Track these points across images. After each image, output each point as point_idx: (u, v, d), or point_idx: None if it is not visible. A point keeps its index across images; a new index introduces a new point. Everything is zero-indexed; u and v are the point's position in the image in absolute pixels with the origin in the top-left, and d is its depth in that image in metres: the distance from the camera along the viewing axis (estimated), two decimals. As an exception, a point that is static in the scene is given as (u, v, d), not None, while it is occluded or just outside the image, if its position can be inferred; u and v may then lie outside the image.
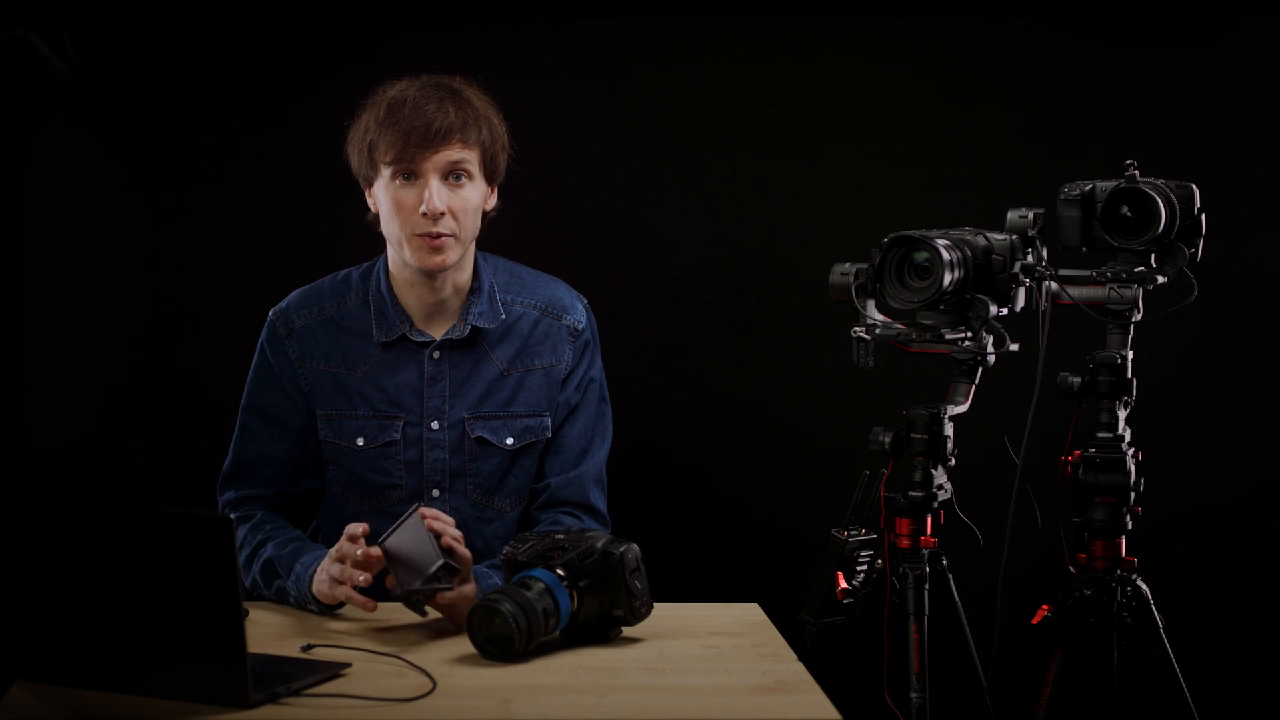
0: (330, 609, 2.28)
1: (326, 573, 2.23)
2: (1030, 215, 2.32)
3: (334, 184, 2.61)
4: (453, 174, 2.43)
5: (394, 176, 2.43)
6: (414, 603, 2.14)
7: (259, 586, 2.37)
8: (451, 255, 2.45)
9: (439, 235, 2.42)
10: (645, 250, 3.25)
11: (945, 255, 2.22)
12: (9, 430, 3.18)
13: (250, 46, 3.16)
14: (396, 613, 2.32)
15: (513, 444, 2.53)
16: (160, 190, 3.19)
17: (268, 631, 2.20)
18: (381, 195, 2.46)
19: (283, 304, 2.58)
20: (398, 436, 2.51)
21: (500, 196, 2.58)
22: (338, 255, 2.65)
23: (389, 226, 2.47)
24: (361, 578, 2.16)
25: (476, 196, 2.47)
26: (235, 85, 3.17)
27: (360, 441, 2.51)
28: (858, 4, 3.17)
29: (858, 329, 2.33)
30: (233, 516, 2.44)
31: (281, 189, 3.19)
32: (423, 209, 2.40)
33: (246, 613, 1.85)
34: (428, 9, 3.13)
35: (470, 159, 2.44)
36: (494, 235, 2.63)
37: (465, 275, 2.53)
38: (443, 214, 2.41)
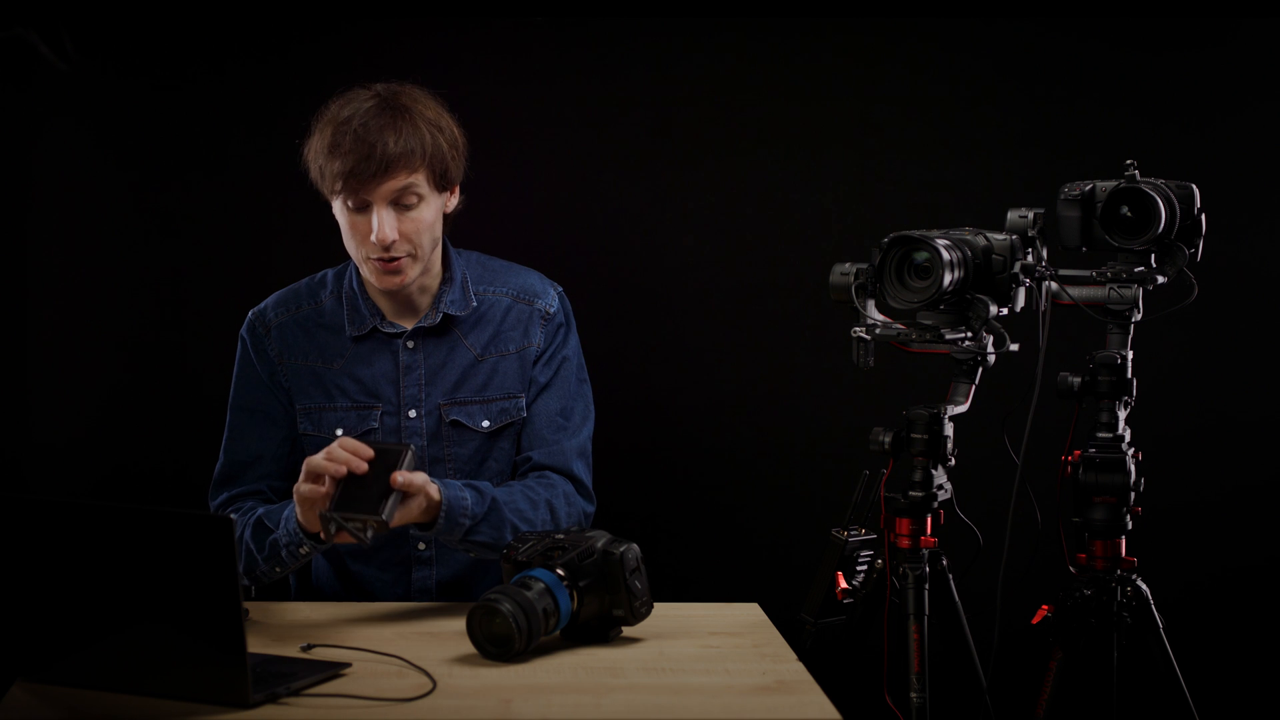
0: (322, 541, 2.29)
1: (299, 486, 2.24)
2: (1030, 215, 2.32)
3: (334, 184, 2.61)
4: (401, 201, 2.44)
5: (344, 203, 2.45)
6: (327, 520, 2.16)
7: (254, 558, 2.38)
8: (410, 274, 2.48)
9: (394, 259, 2.44)
10: (645, 250, 3.24)
11: (945, 255, 2.22)
12: (9, 430, 3.18)
13: (250, 46, 3.15)
14: (396, 613, 2.32)
15: (489, 426, 2.54)
16: (160, 190, 3.19)
17: (268, 631, 2.20)
18: (339, 216, 2.49)
19: (261, 305, 2.61)
20: (376, 425, 2.53)
21: (500, 196, 2.58)
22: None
23: (347, 245, 2.50)
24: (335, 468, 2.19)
25: (430, 214, 2.47)
26: (235, 85, 3.17)
27: (339, 432, 2.52)
28: (858, 4, 3.17)
29: (858, 329, 2.33)
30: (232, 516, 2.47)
31: (281, 189, 3.17)
32: (373, 238, 2.42)
33: (246, 613, 1.86)
34: (428, 9, 3.13)
35: (418, 181, 2.44)
36: (493, 234, 2.63)
37: (432, 275, 2.55)
38: (394, 241, 2.43)
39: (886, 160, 3.23)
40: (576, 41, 3.19)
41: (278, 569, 2.38)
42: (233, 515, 2.42)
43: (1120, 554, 2.37)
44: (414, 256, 2.46)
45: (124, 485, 3.18)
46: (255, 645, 1.90)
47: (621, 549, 2.13)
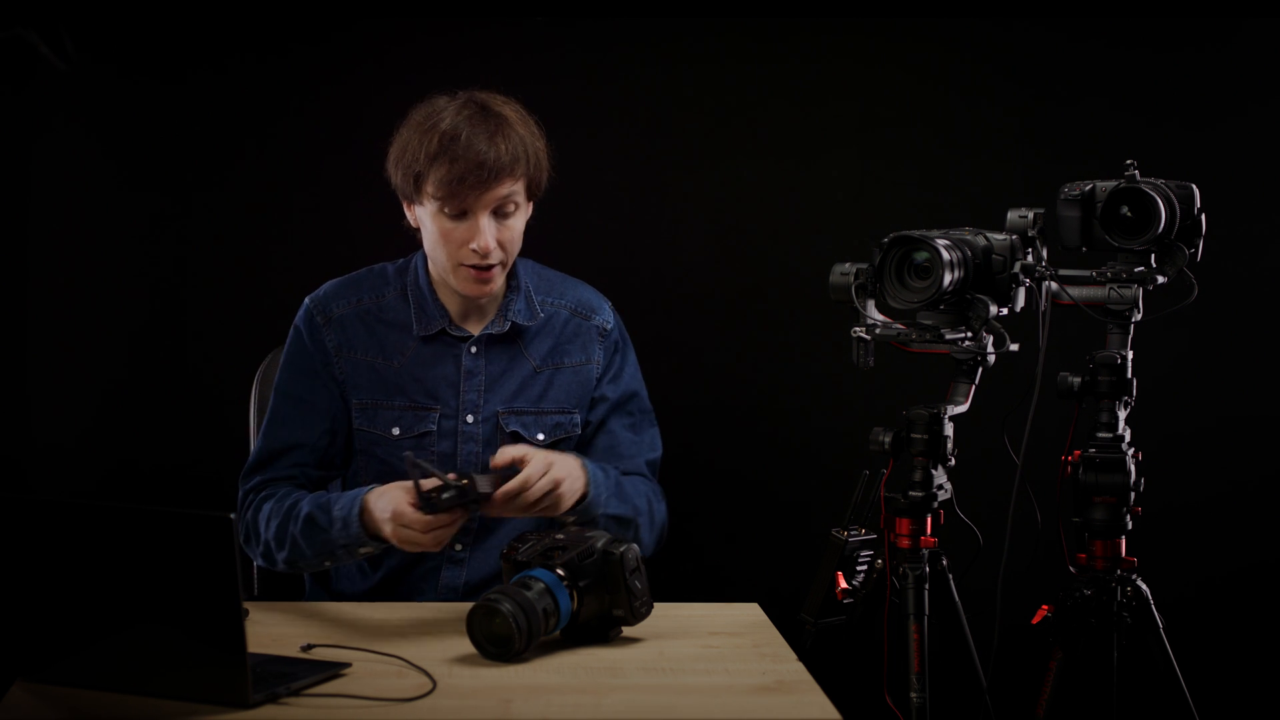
0: (384, 542, 2.30)
1: (391, 510, 2.25)
2: (1030, 215, 2.32)
3: (334, 183, 2.62)
4: (501, 209, 2.44)
5: (441, 209, 2.43)
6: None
7: (300, 551, 2.38)
8: (498, 283, 2.49)
9: (489, 267, 2.44)
10: (644, 250, 3.25)
11: (945, 255, 2.22)
12: (9, 430, 3.18)
13: (251, 46, 3.16)
14: (396, 613, 2.32)
15: (544, 439, 2.53)
16: (160, 190, 3.19)
17: (268, 631, 2.20)
18: (426, 221, 2.46)
19: (320, 292, 2.57)
20: (433, 428, 2.51)
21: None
22: (338, 254, 2.65)
23: (434, 252, 2.47)
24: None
25: (522, 223, 2.48)
26: (235, 85, 3.17)
27: (396, 431, 2.51)
28: (858, 4, 3.17)
29: (858, 329, 2.33)
30: (246, 505, 2.46)
31: (282, 188, 3.19)
32: (474, 246, 2.41)
33: (246, 613, 1.86)
34: (428, 9, 3.13)
35: (518, 191, 2.45)
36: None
37: (500, 280, 2.55)
38: (493, 249, 2.43)
39: (886, 160, 3.23)
40: (576, 41, 3.19)
41: (328, 563, 2.39)
42: (232, 517, 2.44)
43: (1120, 554, 2.36)
44: (504, 265, 2.47)
45: (125, 483, 3.18)
46: (255, 645, 1.90)
47: (621, 549, 2.13)
